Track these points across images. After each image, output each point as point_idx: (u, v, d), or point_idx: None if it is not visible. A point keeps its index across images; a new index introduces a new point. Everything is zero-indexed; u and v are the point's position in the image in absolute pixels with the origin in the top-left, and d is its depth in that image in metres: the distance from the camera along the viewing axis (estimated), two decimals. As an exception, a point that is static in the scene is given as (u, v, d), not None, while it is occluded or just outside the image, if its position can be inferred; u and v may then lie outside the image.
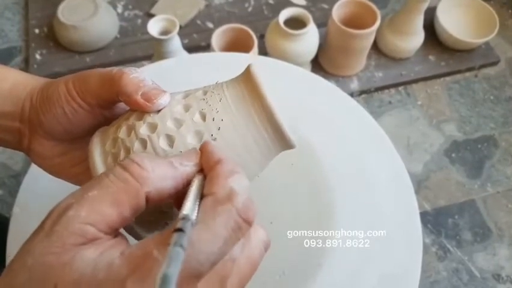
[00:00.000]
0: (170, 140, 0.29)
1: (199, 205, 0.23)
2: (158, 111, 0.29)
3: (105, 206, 0.22)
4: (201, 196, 0.24)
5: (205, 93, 0.30)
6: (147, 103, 0.29)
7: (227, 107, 0.29)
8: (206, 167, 0.25)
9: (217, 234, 0.22)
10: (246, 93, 0.30)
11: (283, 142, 0.30)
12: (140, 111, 0.30)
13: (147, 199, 0.24)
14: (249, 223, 0.23)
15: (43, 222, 0.22)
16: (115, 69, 0.31)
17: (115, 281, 0.20)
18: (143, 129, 0.29)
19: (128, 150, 0.29)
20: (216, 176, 0.24)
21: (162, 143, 0.28)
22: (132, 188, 0.23)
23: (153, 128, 0.29)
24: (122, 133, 0.30)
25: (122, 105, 0.34)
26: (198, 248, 0.21)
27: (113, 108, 0.34)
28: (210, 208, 0.22)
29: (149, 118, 0.29)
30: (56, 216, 0.22)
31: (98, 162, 0.30)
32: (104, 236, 0.22)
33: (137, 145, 0.29)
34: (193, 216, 0.22)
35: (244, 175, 0.25)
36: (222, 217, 0.22)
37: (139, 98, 0.29)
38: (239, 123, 0.29)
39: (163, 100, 0.29)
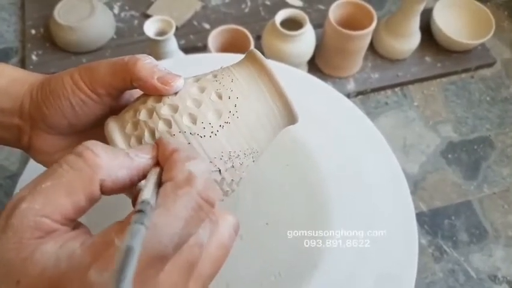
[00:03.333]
0: (193, 118, 0.30)
1: (158, 192, 0.23)
2: (175, 94, 0.31)
3: (59, 196, 0.22)
4: (160, 185, 0.24)
5: (215, 76, 0.33)
6: (165, 86, 0.30)
7: (239, 86, 0.32)
8: (162, 158, 0.26)
9: (177, 215, 0.22)
10: (254, 71, 0.32)
11: (289, 115, 0.33)
12: (157, 95, 0.31)
13: (101, 188, 0.23)
14: (210, 203, 0.23)
15: None
16: (127, 57, 0.32)
17: (78, 270, 0.20)
18: (164, 110, 0.30)
19: (152, 131, 0.30)
20: (173, 162, 0.24)
21: (186, 121, 0.30)
22: (86, 175, 0.23)
23: (174, 108, 0.30)
24: (142, 116, 0.31)
25: (127, 95, 0.35)
26: (160, 229, 0.21)
27: (120, 98, 0.34)
28: (170, 192, 0.23)
29: (168, 100, 0.31)
30: (9, 209, 0.22)
31: (121, 145, 0.31)
32: (60, 227, 0.22)
33: (161, 125, 0.30)
34: (152, 201, 0.22)
35: (201, 160, 0.25)
36: (182, 199, 0.22)
37: (155, 81, 0.30)
38: (252, 99, 0.32)
39: (179, 83, 0.31)
